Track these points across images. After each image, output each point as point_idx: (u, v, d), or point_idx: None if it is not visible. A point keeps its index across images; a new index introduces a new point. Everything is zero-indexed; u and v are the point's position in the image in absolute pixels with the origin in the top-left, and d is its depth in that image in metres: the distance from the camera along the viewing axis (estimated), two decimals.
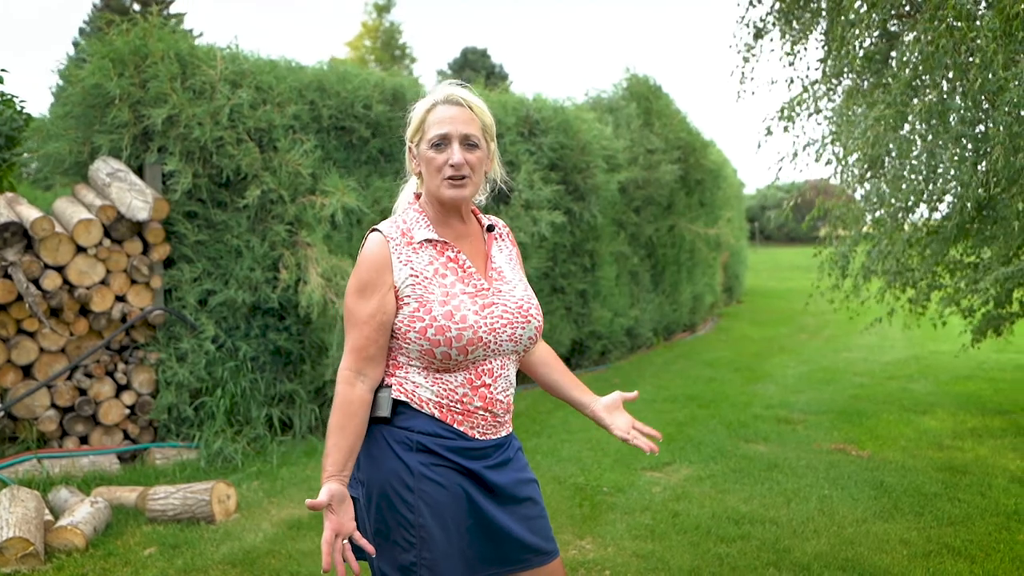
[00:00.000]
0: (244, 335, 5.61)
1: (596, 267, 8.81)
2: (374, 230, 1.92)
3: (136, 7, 23.62)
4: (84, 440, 5.21)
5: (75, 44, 24.33)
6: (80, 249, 5.06)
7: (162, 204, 5.23)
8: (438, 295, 1.86)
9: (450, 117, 1.91)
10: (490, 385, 1.92)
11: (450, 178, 1.90)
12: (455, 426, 1.88)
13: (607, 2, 78.45)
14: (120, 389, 5.31)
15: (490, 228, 2.08)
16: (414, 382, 1.89)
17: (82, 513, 3.96)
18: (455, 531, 1.88)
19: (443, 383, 1.88)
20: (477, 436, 1.91)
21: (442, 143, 1.90)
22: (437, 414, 1.88)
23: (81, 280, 5.05)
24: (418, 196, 2.01)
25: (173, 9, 26.11)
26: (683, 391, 7.54)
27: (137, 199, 5.11)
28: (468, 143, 1.92)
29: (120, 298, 5.25)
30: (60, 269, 5.00)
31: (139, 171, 5.39)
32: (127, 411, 5.30)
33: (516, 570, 1.97)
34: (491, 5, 68.65)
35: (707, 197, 11.78)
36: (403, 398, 1.88)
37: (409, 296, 1.87)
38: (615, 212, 9.16)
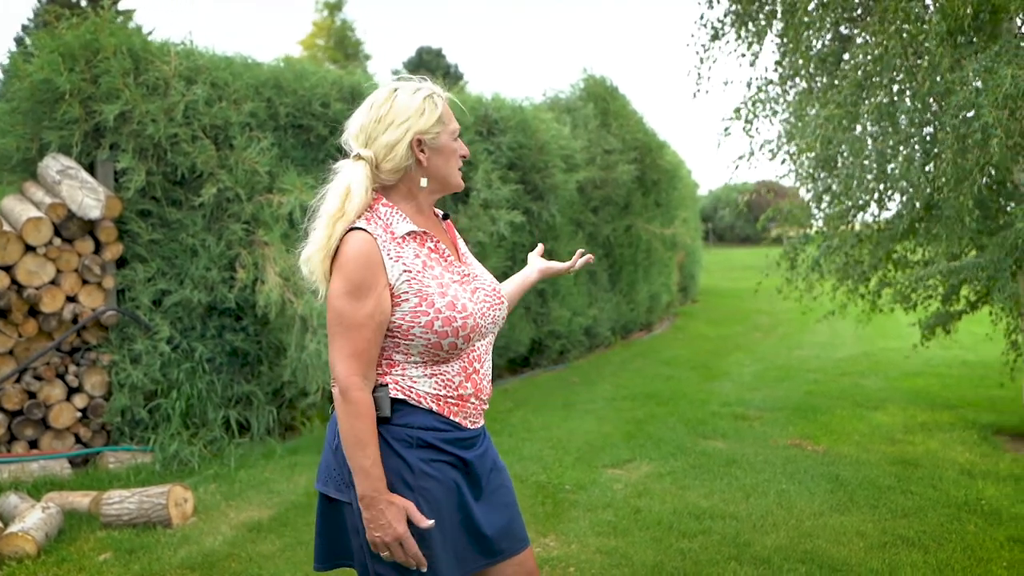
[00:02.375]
0: (200, 336, 5.52)
1: None
2: (354, 229, 1.84)
3: (84, 1, 23.03)
4: (34, 444, 5.07)
5: (18, 41, 23.68)
6: (29, 248, 4.92)
7: (115, 202, 5.11)
8: (435, 287, 1.84)
9: (452, 113, 1.97)
10: (479, 370, 1.94)
11: (460, 167, 1.99)
12: (451, 417, 1.88)
13: (563, 3, 78.79)
14: (71, 392, 5.17)
15: (446, 216, 2.09)
16: (411, 378, 1.86)
17: (33, 519, 3.86)
18: (450, 527, 1.88)
19: (441, 374, 1.87)
20: (468, 425, 1.92)
21: (458, 134, 1.98)
22: (435, 408, 1.86)
23: (30, 280, 4.92)
24: (377, 191, 1.94)
25: (122, 5, 25.54)
26: (641, 389, 7.61)
27: (89, 197, 4.99)
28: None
29: (71, 298, 5.12)
30: (8, 269, 4.86)
31: (90, 168, 5.26)
32: (79, 414, 5.17)
33: (496, 562, 1.98)
34: (445, 5, 68.48)
35: (663, 197, 11.90)
36: (401, 396, 1.85)
37: (407, 292, 1.82)
38: (573, 212, 9.20)
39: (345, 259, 1.81)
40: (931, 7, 5.20)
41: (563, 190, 8.43)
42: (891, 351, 9.58)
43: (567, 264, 2.35)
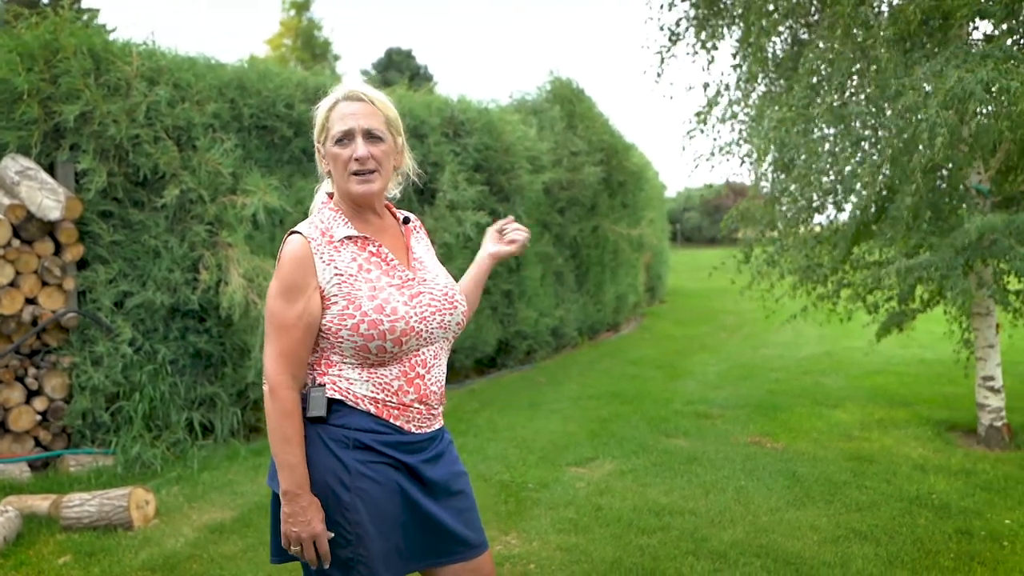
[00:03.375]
0: (163, 338, 5.49)
1: (521, 267, 8.89)
2: (293, 232, 1.91)
3: (45, 0, 22.68)
4: None
5: None
6: None
7: (75, 203, 5.07)
8: (365, 290, 1.87)
9: (352, 112, 1.92)
10: (424, 376, 1.94)
11: (356, 173, 1.91)
12: (391, 421, 1.90)
13: (531, 6, 78.95)
14: (31, 395, 5.13)
15: (406, 220, 2.11)
16: (348, 379, 1.89)
17: None
18: (391, 527, 1.90)
19: (378, 377, 1.89)
20: (413, 430, 1.93)
21: (345, 138, 1.91)
22: (373, 410, 1.89)
23: None
24: (331, 196, 2.02)
25: (86, 3, 25.18)
26: (607, 388, 7.68)
27: (48, 198, 4.95)
28: (371, 136, 1.93)
29: (30, 300, 5.07)
30: None
31: (50, 169, 5.21)
32: (38, 417, 5.12)
33: (448, 562, 2.01)
34: (415, 6, 68.34)
35: (629, 199, 12.00)
36: (338, 396, 1.88)
37: (336, 295, 1.87)
38: (540, 213, 9.26)
39: (281, 261, 1.88)
40: (884, 12, 5.34)
41: (529, 191, 8.48)
42: (853, 350, 9.75)
43: (509, 245, 2.24)
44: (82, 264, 5.34)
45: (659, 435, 5.88)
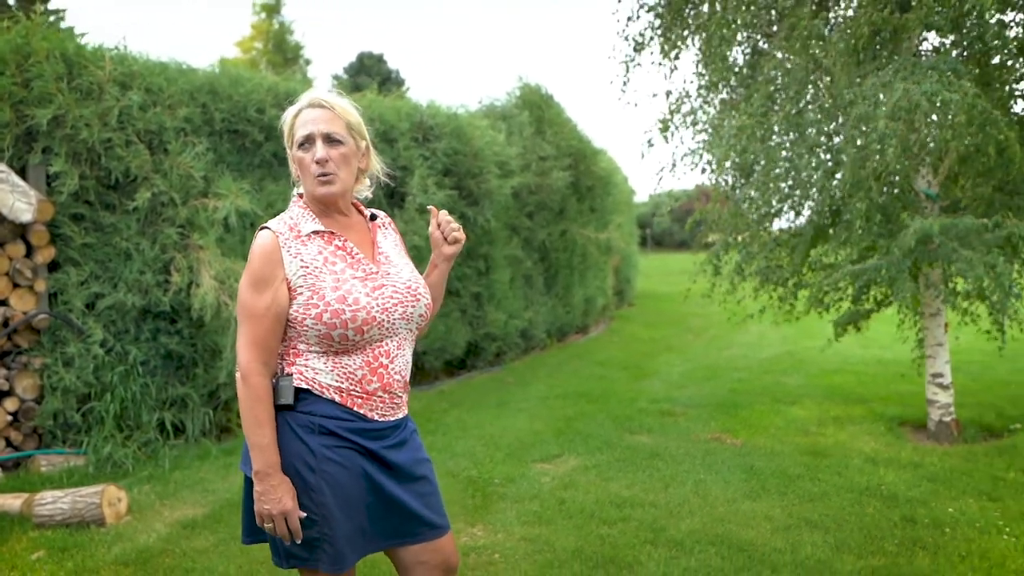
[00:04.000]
0: (134, 339, 5.55)
1: (490, 270, 9.03)
2: (263, 227, 2.05)
3: (11, 1, 22.45)
4: None
5: None
6: None
7: (47, 206, 5.13)
8: (329, 282, 1.99)
9: (312, 118, 2.05)
10: (387, 365, 2.06)
11: (319, 176, 2.04)
12: (355, 409, 2.03)
13: (502, 13, 79.26)
14: (2, 396, 5.17)
15: (373, 217, 2.24)
16: (315, 369, 2.01)
17: None
18: (355, 509, 2.03)
19: (343, 367, 2.01)
20: (376, 418, 2.06)
21: (307, 143, 2.05)
22: (337, 399, 2.01)
23: None
24: (301, 196, 2.16)
25: (52, 4, 24.95)
26: (574, 388, 7.84)
27: (20, 200, 5.01)
28: (331, 140, 2.05)
29: (1, 302, 5.12)
30: None
31: (22, 172, 5.26)
32: (9, 418, 5.17)
33: (411, 542, 2.14)
34: (387, 11, 68.35)
35: (598, 203, 12.19)
36: (304, 385, 2.01)
37: (302, 286, 1.99)
38: (508, 217, 9.41)
39: (251, 255, 2.02)
40: (839, 23, 5.55)
41: (498, 195, 8.63)
42: (814, 350, 9.97)
43: (455, 244, 2.26)
44: (53, 266, 5.39)
45: (623, 432, 6.04)
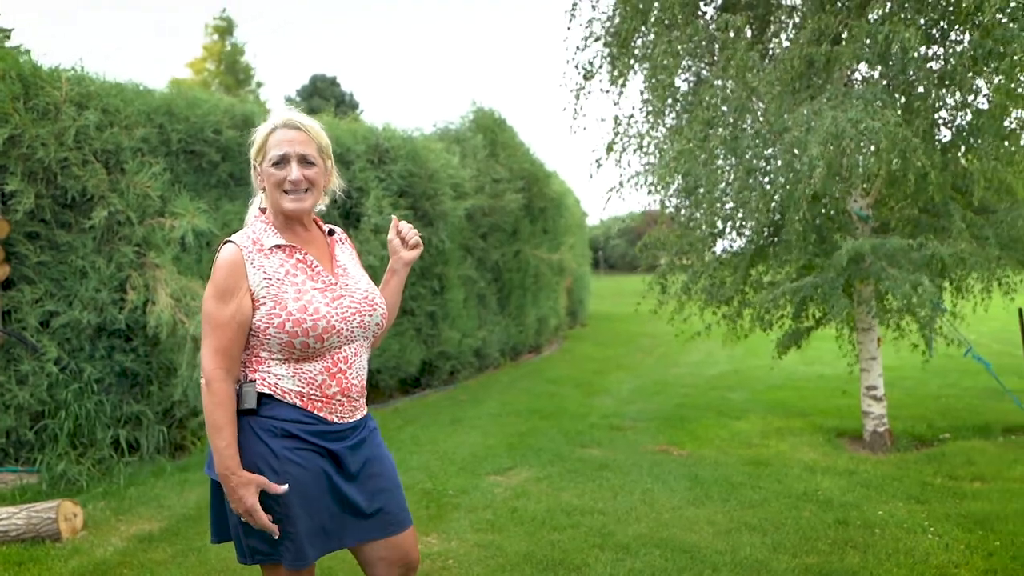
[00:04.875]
0: (89, 357, 5.57)
1: (445, 290, 9.18)
2: (227, 241, 2.16)
3: None
4: None
5: None
6: None
7: (2, 224, 5.16)
8: (291, 293, 2.12)
9: (288, 139, 2.18)
10: (346, 371, 2.19)
11: (287, 191, 2.18)
12: (315, 412, 2.14)
13: (454, 38, 79.93)
14: None
15: (331, 232, 2.38)
16: (276, 375, 2.13)
17: None
18: (316, 507, 2.14)
19: (303, 373, 2.13)
20: (336, 420, 2.18)
21: (281, 162, 2.17)
22: (299, 403, 2.13)
23: None
24: (263, 210, 2.28)
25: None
26: (527, 406, 8.00)
27: None
28: (305, 162, 2.20)
29: None
30: None
31: None
32: None
33: (374, 538, 2.25)
34: (341, 34, 68.45)
35: (550, 225, 12.44)
36: (267, 391, 2.12)
37: (265, 297, 2.11)
38: (463, 237, 9.58)
39: (216, 267, 2.13)
40: (775, 56, 5.87)
41: (452, 217, 8.80)
42: (759, 368, 10.31)
43: (415, 249, 2.47)
44: (8, 284, 5.40)
45: (574, 446, 6.22)
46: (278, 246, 2.18)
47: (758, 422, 6.98)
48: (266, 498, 2.07)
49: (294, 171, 2.17)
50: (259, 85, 36.71)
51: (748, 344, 7.17)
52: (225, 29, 35.99)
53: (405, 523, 2.32)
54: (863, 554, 3.86)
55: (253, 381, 2.13)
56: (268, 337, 2.11)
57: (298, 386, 2.13)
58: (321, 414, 2.15)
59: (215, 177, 6.52)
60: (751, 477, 5.23)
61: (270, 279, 2.12)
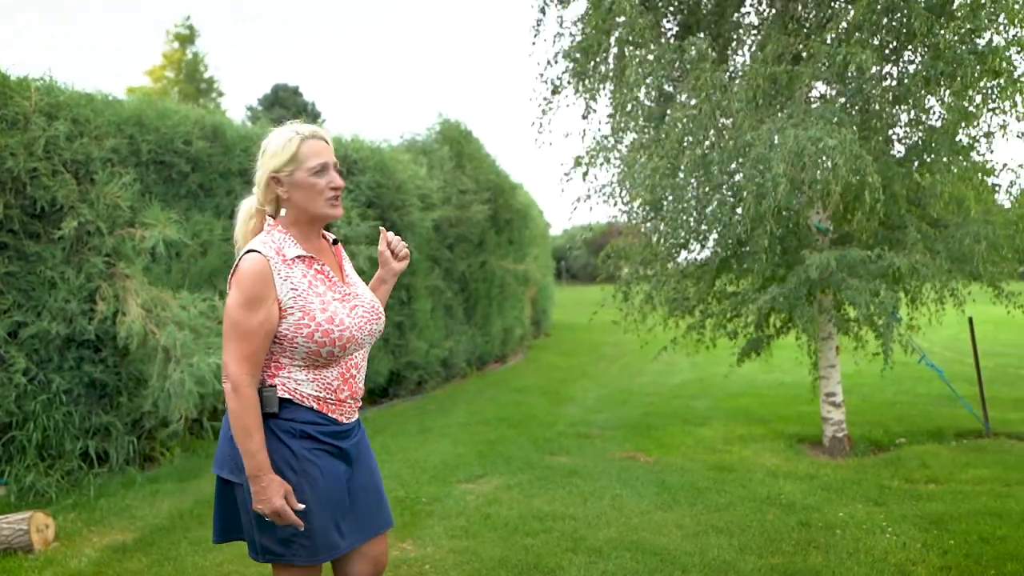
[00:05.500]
0: (57, 368, 5.54)
1: (412, 300, 9.24)
2: (251, 251, 2.18)
3: None
4: None
5: None
6: None
7: None
8: (317, 304, 2.19)
9: (324, 149, 2.26)
10: (356, 376, 2.31)
11: (331, 199, 2.26)
12: (329, 415, 2.24)
13: (418, 49, 79.96)
14: None
15: (336, 242, 2.46)
16: (296, 380, 2.20)
17: None
18: (331, 505, 2.22)
19: (322, 379, 2.22)
20: (344, 421, 2.28)
21: (323, 170, 2.24)
22: (316, 407, 2.22)
23: None
24: (273, 217, 2.30)
25: None
26: (495, 414, 8.09)
27: None
28: (338, 170, 2.31)
29: None
30: None
31: None
32: None
33: (369, 538, 2.35)
34: (304, 44, 68.03)
35: (515, 235, 12.57)
36: (287, 396, 2.20)
37: (292, 307, 2.17)
38: (430, 248, 9.66)
39: (243, 275, 2.15)
40: (739, 73, 6.06)
41: (420, 227, 8.88)
42: (721, 376, 10.50)
43: (403, 260, 2.59)
44: None
45: (543, 453, 6.32)
46: (299, 257, 2.24)
47: (721, 429, 7.15)
48: (301, 496, 2.15)
49: (337, 178, 2.27)
50: (220, 94, 36.46)
51: (710, 353, 7.37)
52: (187, 37, 35.65)
53: (391, 520, 2.43)
54: (825, 554, 4.01)
55: (273, 386, 2.19)
56: (295, 346, 2.18)
57: (316, 391, 2.22)
58: (333, 416, 2.25)
59: (184, 188, 6.52)
60: (716, 482, 5.38)
61: (296, 290, 2.19)
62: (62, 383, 5.49)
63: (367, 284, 2.51)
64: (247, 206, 2.37)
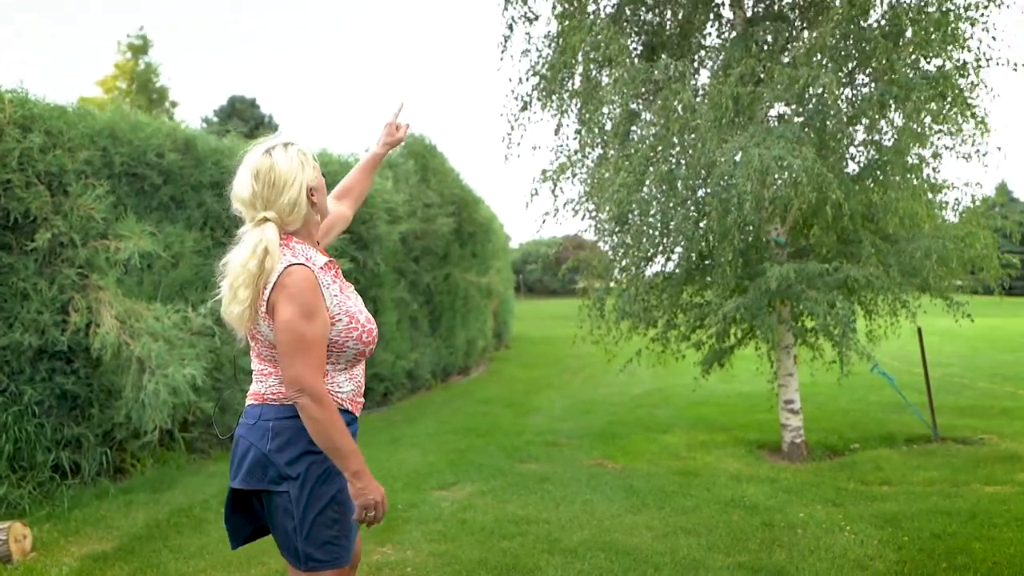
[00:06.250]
0: (29, 379, 5.53)
1: (379, 312, 9.32)
2: (294, 264, 2.17)
3: None
4: None
5: None
6: None
7: None
8: (355, 306, 2.28)
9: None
10: (364, 370, 2.41)
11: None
12: (354, 411, 2.32)
13: (378, 61, 79.93)
14: None
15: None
16: (338, 383, 2.27)
17: None
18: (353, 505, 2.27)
19: (355, 377, 2.31)
20: (357, 414, 2.36)
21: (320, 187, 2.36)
22: (349, 407, 2.29)
23: None
24: (289, 233, 2.29)
25: None
26: (462, 424, 8.21)
27: None
28: None
29: None
30: None
31: None
32: None
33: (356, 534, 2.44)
34: (261, 55, 67.52)
35: (479, 248, 12.72)
36: (337, 403, 2.25)
37: (338, 313, 2.23)
38: (396, 260, 9.76)
39: (296, 289, 2.14)
40: (702, 92, 6.30)
41: (387, 240, 8.99)
42: (681, 387, 10.76)
43: (398, 133, 2.87)
44: None
45: (513, 461, 6.46)
46: (326, 264, 2.30)
47: (684, 436, 7.37)
48: (331, 496, 2.17)
49: None
50: (174, 105, 36.02)
51: (671, 365, 7.60)
52: (140, 48, 35.19)
53: None
54: (788, 551, 4.21)
55: None
56: (346, 350, 2.24)
57: (351, 391, 2.30)
58: (355, 412, 2.32)
59: (156, 200, 6.56)
60: (682, 486, 5.57)
61: (336, 297, 2.24)
62: (34, 395, 5.48)
63: (361, 166, 2.84)
64: (271, 236, 2.20)
